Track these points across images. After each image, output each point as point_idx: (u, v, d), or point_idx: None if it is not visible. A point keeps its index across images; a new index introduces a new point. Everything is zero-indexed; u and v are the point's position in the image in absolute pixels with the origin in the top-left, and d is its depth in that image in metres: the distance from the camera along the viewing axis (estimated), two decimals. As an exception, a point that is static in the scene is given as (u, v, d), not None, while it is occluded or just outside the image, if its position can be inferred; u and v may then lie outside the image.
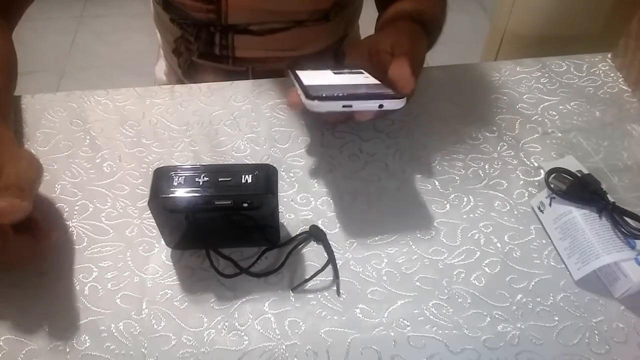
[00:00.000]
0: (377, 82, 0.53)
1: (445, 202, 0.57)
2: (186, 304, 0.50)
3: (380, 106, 0.48)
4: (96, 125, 0.64)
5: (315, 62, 0.79)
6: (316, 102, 0.47)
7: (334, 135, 0.63)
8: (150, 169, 0.57)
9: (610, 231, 0.50)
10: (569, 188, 0.53)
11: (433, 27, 0.66)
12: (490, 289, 0.51)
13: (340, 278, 0.51)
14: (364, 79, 0.55)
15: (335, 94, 0.48)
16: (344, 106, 0.47)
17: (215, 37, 0.75)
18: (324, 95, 0.48)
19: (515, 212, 0.57)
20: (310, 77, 0.52)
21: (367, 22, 0.79)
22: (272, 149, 0.62)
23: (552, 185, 0.54)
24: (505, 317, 0.49)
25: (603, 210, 0.51)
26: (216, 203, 0.46)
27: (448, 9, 0.72)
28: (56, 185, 0.58)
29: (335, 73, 0.56)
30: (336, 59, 0.81)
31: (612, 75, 0.71)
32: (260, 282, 0.51)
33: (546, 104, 0.67)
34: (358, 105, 0.48)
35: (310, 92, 0.48)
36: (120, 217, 0.56)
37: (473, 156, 0.61)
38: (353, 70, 0.57)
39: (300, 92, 0.49)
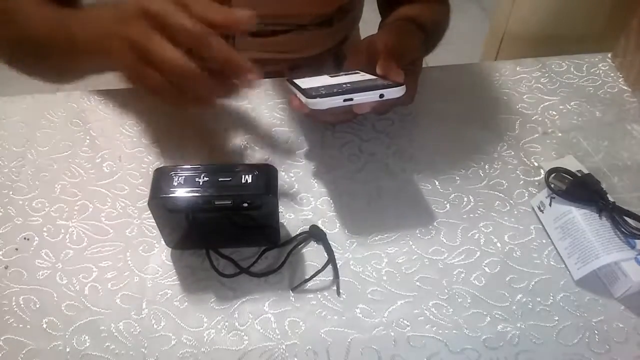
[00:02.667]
0: (373, 77, 0.53)
1: (445, 202, 0.57)
2: (186, 304, 0.50)
3: (381, 96, 0.48)
4: (96, 125, 0.64)
5: (316, 64, 0.78)
6: (317, 99, 0.47)
7: (334, 135, 0.63)
8: (150, 169, 0.57)
9: (610, 231, 0.50)
10: (569, 188, 0.53)
11: (432, 29, 0.66)
12: (490, 289, 0.51)
13: (340, 278, 0.51)
14: (361, 76, 0.55)
15: (335, 90, 0.48)
16: (344, 100, 0.47)
17: None
18: (323, 92, 0.48)
19: (515, 212, 0.57)
20: (308, 82, 0.53)
21: (368, 23, 0.79)
22: (272, 149, 0.62)
23: (552, 185, 0.54)
24: (505, 316, 0.49)
25: (603, 210, 0.51)
26: (216, 203, 0.46)
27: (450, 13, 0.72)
28: (56, 185, 0.58)
29: (331, 76, 0.56)
30: (336, 62, 0.82)
31: (612, 75, 0.71)
32: (260, 282, 0.51)
33: (546, 104, 0.67)
34: (359, 98, 0.48)
35: (310, 92, 0.48)
36: (120, 217, 0.56)
37: (473, 156, 0.61)
38: (349, 72, 0.57)
39: (300, 95, 0.49)
